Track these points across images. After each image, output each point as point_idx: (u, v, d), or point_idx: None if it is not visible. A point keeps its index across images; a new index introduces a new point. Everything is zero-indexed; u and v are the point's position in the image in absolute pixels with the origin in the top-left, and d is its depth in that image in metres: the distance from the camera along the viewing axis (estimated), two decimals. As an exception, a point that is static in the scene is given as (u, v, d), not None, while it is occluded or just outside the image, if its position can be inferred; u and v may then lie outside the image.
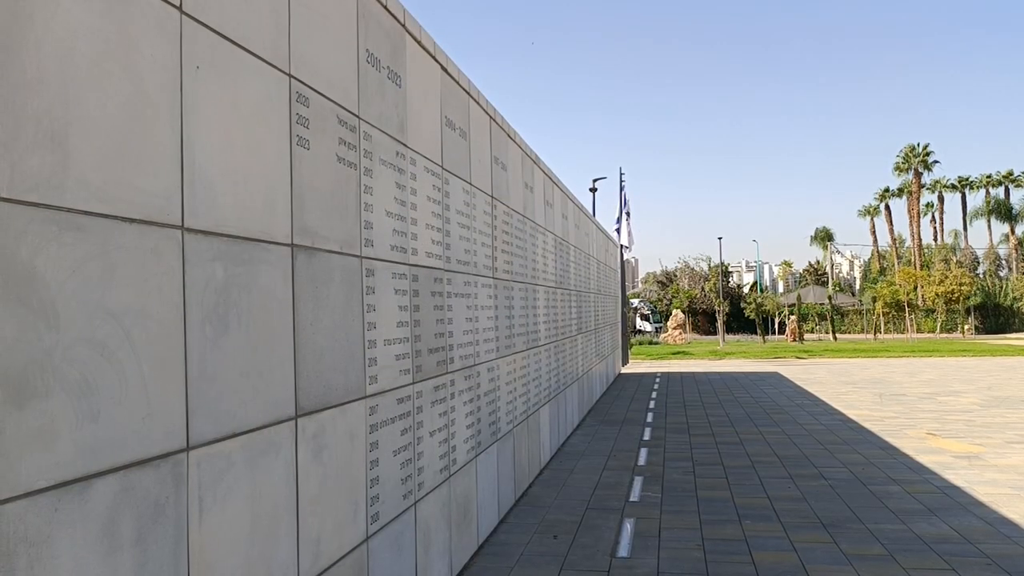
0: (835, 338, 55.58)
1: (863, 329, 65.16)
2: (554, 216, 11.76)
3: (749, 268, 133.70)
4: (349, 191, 4.23)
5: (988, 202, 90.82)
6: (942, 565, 6.08)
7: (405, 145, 5.14)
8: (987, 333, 62.64)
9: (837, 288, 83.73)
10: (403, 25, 5.18)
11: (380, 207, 4.67)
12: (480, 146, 7.22)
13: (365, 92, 4.50)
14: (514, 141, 8.76)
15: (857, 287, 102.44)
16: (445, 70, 6.09)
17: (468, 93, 6.79)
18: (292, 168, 3.61)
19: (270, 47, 3.43)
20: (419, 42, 5.49)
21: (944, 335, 59.39)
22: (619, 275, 26.95)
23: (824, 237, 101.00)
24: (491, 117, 7.66)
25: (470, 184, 6.80)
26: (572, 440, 12.24)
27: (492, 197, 7.65)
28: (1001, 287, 70.98)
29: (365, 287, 4.39)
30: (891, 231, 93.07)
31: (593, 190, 37.91)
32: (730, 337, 56.67)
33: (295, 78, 3.64)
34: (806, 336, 54.78)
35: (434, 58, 5.81)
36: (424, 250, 5.47)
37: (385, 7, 4.84)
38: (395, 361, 4.79)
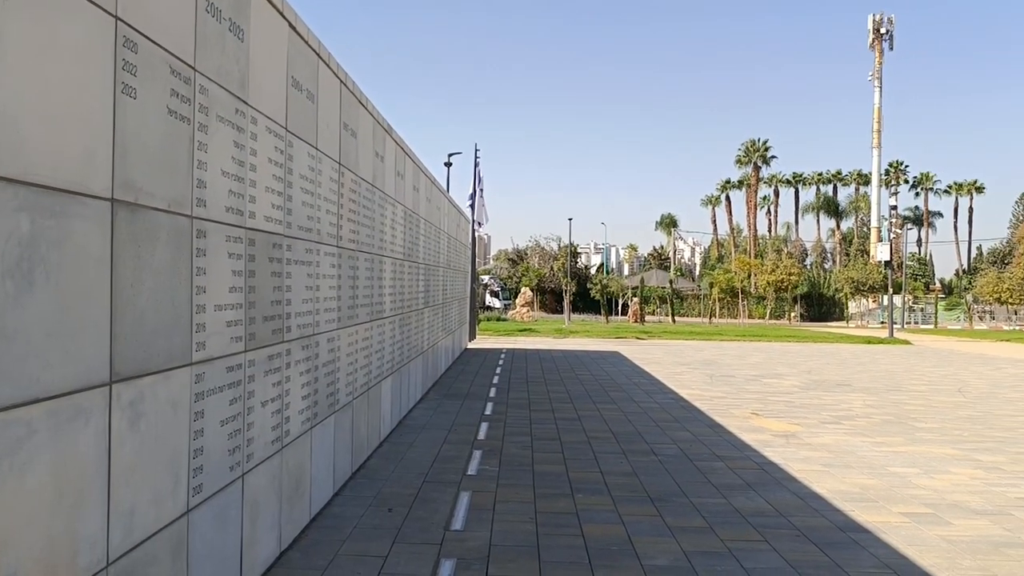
0: (674, 321, 57.99)
1: (700, 313, 68.25)
2: (405, 188, 11.62)
3: (597, 250, 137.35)
4: (180, 147, 4.00)
5: (818, 198, 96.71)
6: (756, 536, 6.44)
7: (246, 103, 4.91)
8: (811, 320, 66.90)
9: (678, 273, 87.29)
10: (248, -24, 4.93)
11: (215, 166, 4.45)
12: (329, 110, 7.01)
13: (203, 43, 4.26)
14: (366, 108, 8.57)
15: (697, 272, 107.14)
16: (293, 28, 5.86)
17: (318, 54, 6.57)
18: (115, 117, 3.36)
19: (94, -16, 3.18)
20: (266, -4, 5.24)
21: (773, 321, 62.98)
22: (470, 251, 27.04)
23: (669, 223, 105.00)
24: (342, 81, 7.45)
25: (316, 149, 6.60)
26: (414, 413, 12.21)
27: (340, 164, 7.46)
28: (825, 278, 75.97)
29: (195, 249, 4.17)
30: (730, 221, 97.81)
31: (448, 164, 37.80)
32: (576, 316, 58.07)
33: (122, 20, 3.39)
34: (647, 318, 56.82)
35: (281, 14, 5.57)
36: (263, 214, 5.26)
37: (229, -45, 4.59)
38: (226, 328, 4.60)
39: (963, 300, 63.09)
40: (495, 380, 17.10)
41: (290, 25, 5.79)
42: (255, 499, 5.16)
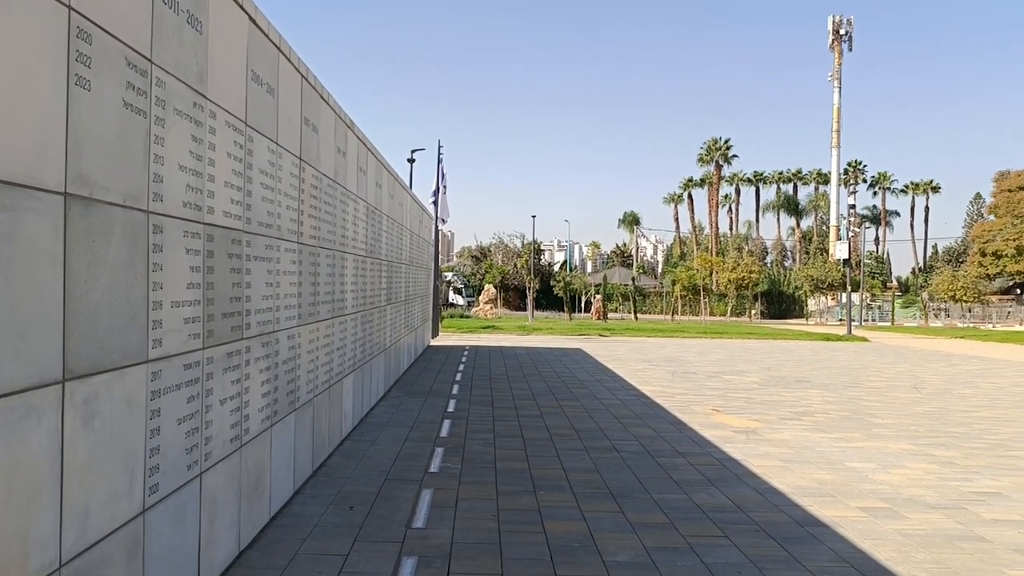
0: (636, 318, 58.28)
1: (662, 310, 68.71)
2: (367, 184, 11.55)
3: (560, 247, 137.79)
4: (137, 140, 3.93)
5: (779, 197, 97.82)
6: (716, 532, 6.50)
7: (204, 96, 4.84)
8: (771, 318, 67.68)
9: (641, 270, 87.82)
10: (207, -32, 4.85)
11: (173, 160, 4.37)
12: (289, 105, 6.93)
13: (160, 35, 4.18)
14: (327, 103, 8.49)
15: (659, 270, 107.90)
16: (253, 21, 5.78)
17: (278, 48, 6.50)
18: (69, 110, 3.29)
19: (46, -27, 3.10)
20: (225, -12, 5.17)
21: (734, 318, 63.63)
22: (433, 247, 26.97)
23: (631, 221, 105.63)
24: (303, 76, 7.37)
25: (276, 144, 6.52)
26: (376, 411, 12.15)
27: (301, 159, 7.39)
28: (785, 276, 76.92)
29: (152, 244, 4.10)
30: (692, 219, 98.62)
31: (411, 161, 37.70)
32: (539, 313, 58.15)
33: (75, 10, 3.32)
34: (610, 315, 57.08)
35: (241, 7, 5.49)
36: (222, 209, 5.19)
37: (187, -54, 4.52)
38: (183, 325, 4.53)
39: (919, 298, 64.27)
40: (458, 377, 17.07)
41: (250, 18, 5.71)
42: (213, 498, 5.09)
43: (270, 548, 5.83)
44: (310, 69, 7.62)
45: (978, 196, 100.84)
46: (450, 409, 12.55)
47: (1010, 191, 76.59)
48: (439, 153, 31.96)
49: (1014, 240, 71.76)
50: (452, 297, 67.45)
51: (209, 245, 4.95)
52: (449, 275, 71.68)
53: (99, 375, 3.55)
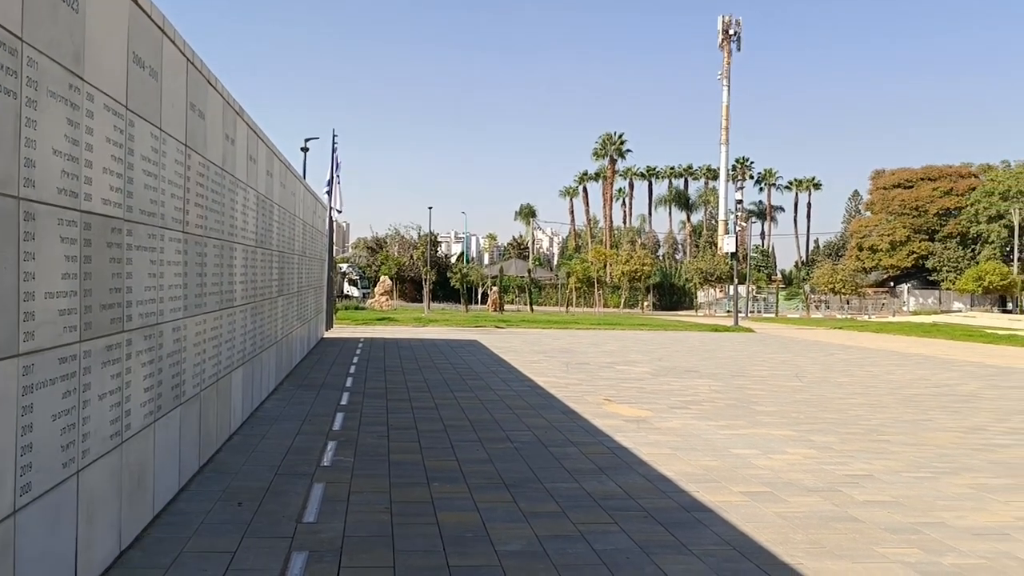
0: (532, 309, 58.83)
1: (558, 302, 69.58)
2: (258, 172, 11.26)
3: (457, 239, 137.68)
4: (5, 123, 3.72)
5: (670, 192, 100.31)
6: (607, 519, 6.63)
7: (81, 78, 4.62)
8: (663, 309, 69.38)
9: (537, 262, 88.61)
10: (84, -57, 4.63)
11: (46, 144, 4.16)
12: (174, 89, 6.69)
13: (32, 12, 3.97)
14: (214, 88, 8.23)
15: (555, 262, 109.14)
16: (135, 0, 5.55)
17: (162, 30, 6.26)
18: (-71, 88, 3.09)
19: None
20: (103, -35, 4.95)
21: (627, 310, 64.94)
22: (327, 238, 26.54)
23: (528, 214, 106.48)
24: (188, 60, 7.13)
25: (160, 130, 6.29)
26: (267, 405, 11.89)
27: (186, 146, 7.15)
28: (676, 269, 79.01)
29: (23, 232, 3.89)
30: (587, 212, 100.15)
31: (305, 150, 36.99)
32: (435, 305, 58.00)
33: (-64, -17, 3.12)
34: (506, 307, 57.42)
35: (121, -14, 5.27)
36: (100, 196, 4.97)
37: (61, -81, 4.30)
38: (58, 317, 4.32)
39: (801, 290, 67.03)
40: (352, 369, 16.87)
41: (131, -2, 5.48)
42: (91, 497, 4.89)
43: (153, 547, 5.64)
44: (196, 53, 7.37)
45: (856, 193, 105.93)
46: (343, 402, 12.40)
47: (885, 189, 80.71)
48: (334, 143, 31.48)
49: (888, 235, 75.70)
50: (347, 289, 66.65)
51: (86, 233, 4.74)
52: (344, 266, 70.78)
53: (-36, 370, 3.36)
